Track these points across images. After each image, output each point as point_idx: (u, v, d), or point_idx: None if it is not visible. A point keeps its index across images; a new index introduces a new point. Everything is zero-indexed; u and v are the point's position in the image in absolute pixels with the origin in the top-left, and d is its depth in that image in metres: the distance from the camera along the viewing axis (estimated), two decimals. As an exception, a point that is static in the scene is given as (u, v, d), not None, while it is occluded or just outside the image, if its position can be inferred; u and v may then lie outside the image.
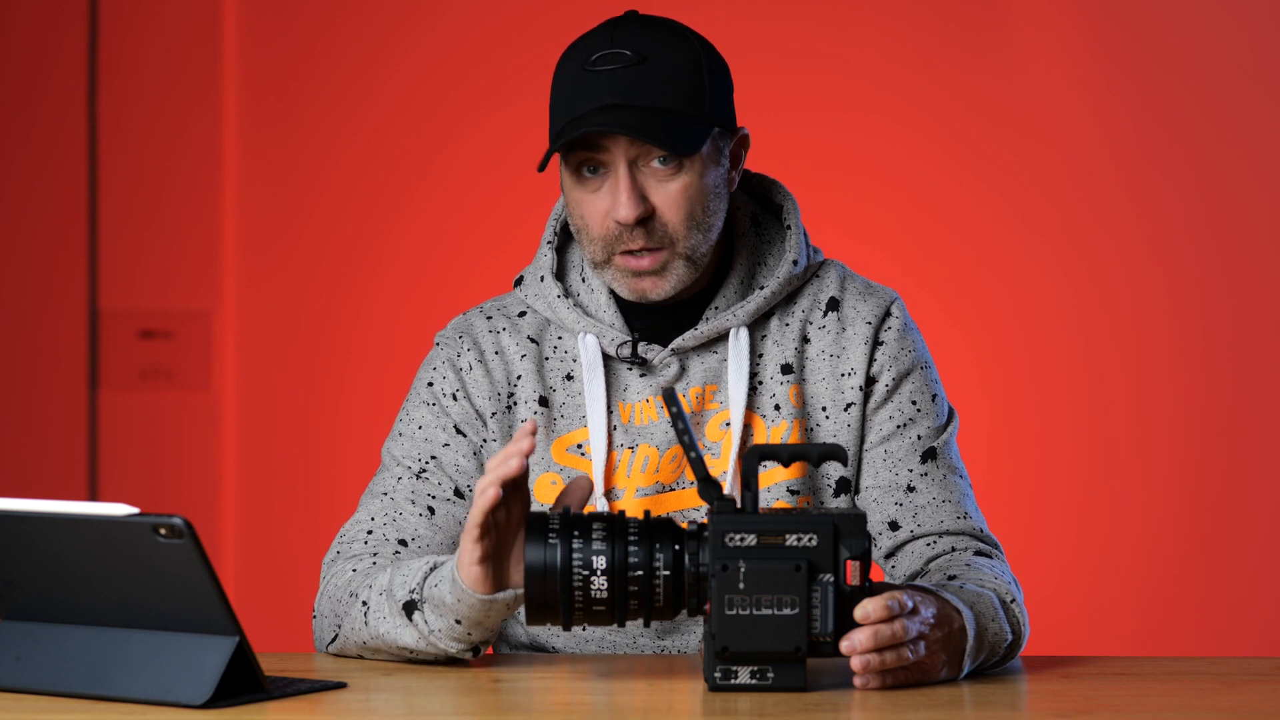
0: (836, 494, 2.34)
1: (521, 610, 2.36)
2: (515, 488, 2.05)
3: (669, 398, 2.00)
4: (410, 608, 2.13)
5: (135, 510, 1.89)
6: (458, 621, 2.10)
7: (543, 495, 2.32)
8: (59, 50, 4.28)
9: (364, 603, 2.18)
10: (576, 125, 2.21)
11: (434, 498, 2.33)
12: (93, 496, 4.27)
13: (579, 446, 2.33)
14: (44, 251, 4.30)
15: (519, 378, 2.35)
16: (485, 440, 2.35)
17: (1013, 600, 2.17)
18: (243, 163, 4.29)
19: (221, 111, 4.29)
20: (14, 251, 4.29)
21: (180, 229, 4.30)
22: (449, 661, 2.17)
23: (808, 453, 2.02)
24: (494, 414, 2.35)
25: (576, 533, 1.98)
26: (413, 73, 4.26)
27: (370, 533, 2.31)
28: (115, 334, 4.31)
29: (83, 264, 4.30)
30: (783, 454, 2.02)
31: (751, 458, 1.99)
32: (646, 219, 2.25)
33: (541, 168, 2.25)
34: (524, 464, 2.02)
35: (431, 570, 2.13)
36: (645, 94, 2.22)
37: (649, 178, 2.25)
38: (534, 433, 2.02)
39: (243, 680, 1.93)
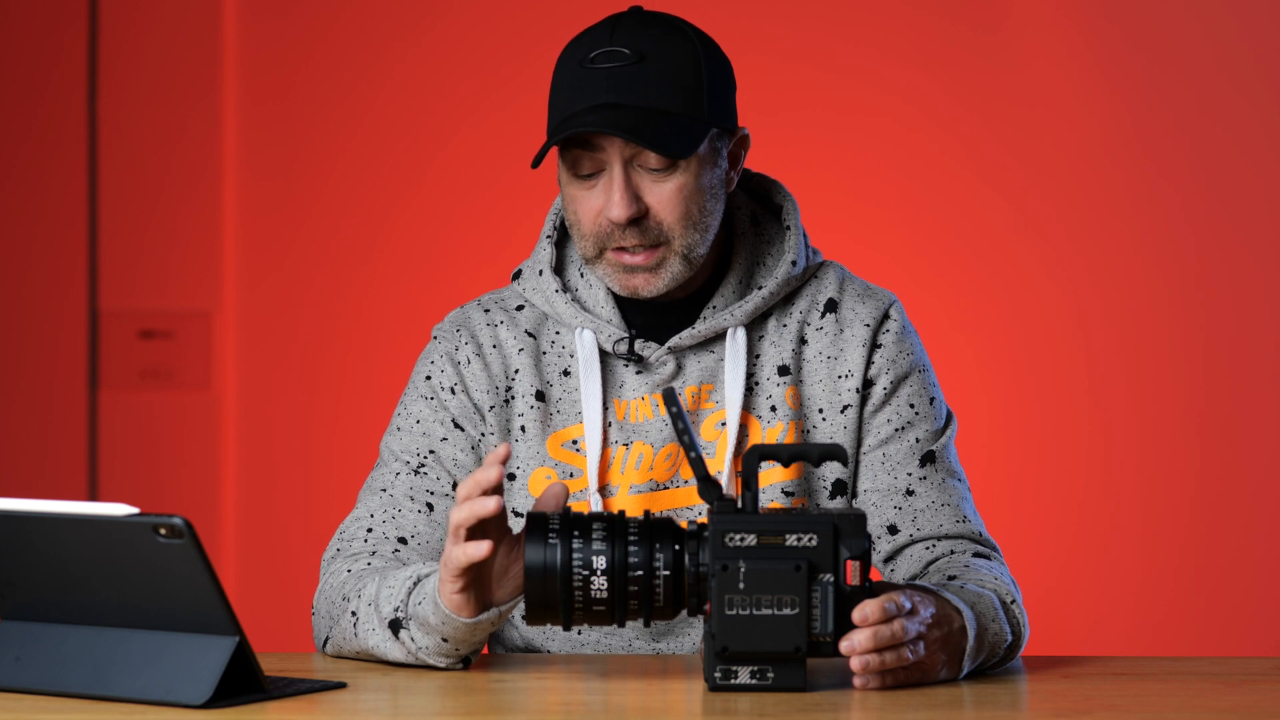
0: (832, 496, 2.34)
1: (519, 612, 2.36)
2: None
3: (669, 398, 2.00)
4: (396, 626, 2.13)
5: (135, 510, 1.89)
6: (444, 640, 2.10)
7: (537, 490, 2.32)
8: (59, 50, 4.28)
9: (353, 612, 2.18)
10: (571, 123, 2.21)
11: (432, 494, 2.33)
12: (93, 496, 4.27)
13: (574, 442, 2.33)
14: (44, 251, 4.30)
15: (516, 371, 2.35)
16: (483, 434, 2.35)
17: (1013, 601, 2.17)
18: (243, 163, 4.29)
19: (221, 111, 4.29)
20: (14, 251, 4.29)
21: (180, 229, 4.30)
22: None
23: (807, 452, 2.02)
24: (492, 407, 2.35)
25: (576, 533, 1.98)
26: (413, 73, 4.26)
27: (370, 530, 2.31)
28: (115, 334, 4.31)
29: (83, 264, 4.30)
30: (783, 454, 2.02)
31: (752, 458, 1.99)
32: (640, 218, 2.24)
33: (535, 164, 2.24)
34: (500, 502, 2.01)
35: (415, 585, 2.13)
36: (642, 94, 2.21)
37: (644, 177, 2.24)
38: (504, 460, 2.02)
39: (243, 680, 1.93)
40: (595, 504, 2.30)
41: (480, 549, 2.01)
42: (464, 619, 2.07)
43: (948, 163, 4.11)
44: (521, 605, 2.14)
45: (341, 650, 2.21)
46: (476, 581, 2.06)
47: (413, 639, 2.12)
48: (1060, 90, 4.08)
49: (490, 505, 2.00)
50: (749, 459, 1.99)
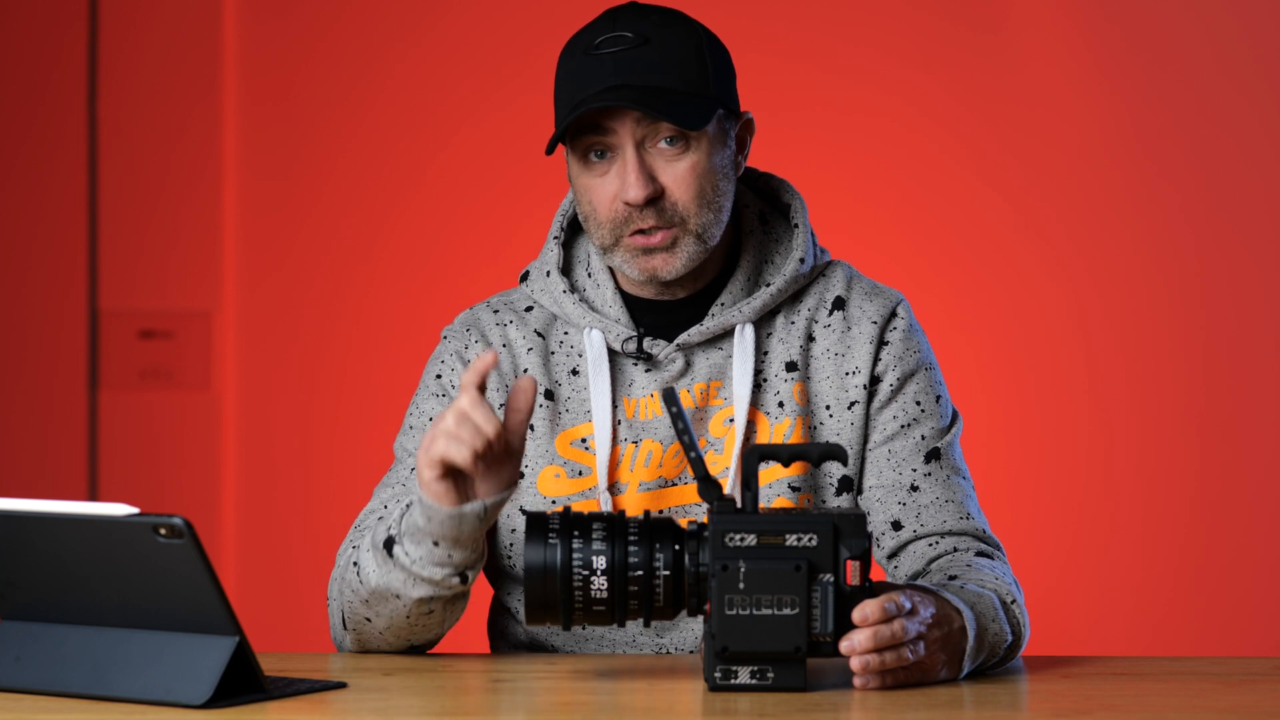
0: (839, 493, 2.34)
1: (521, 611, 2.36)
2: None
3: (669, 397, 2.00)
4: (390, 544, 2.13)
5: (135, 510, 1.89)
6: (435, 544, 2.10)
7: (546, 488, 2.33)
8: (59, 50, 4.28)
9: (355, 563, 2.19)
10: (582, 107, 2.22)
11: None
12: (93, 496, 4.27)
13: (583, 440, 2.33)
14: (44, 251, 4.30)
15: (525, 370, 2.36)
16: (494, 432, 2.35)
17: (1013, 601, 2.17)
18: (243, 163, 4.29)
19: (221, 111, 4.29)
20: (14, 251, 4.29)
21: (180, 229, 4.30)
22: (449, 654, 2.17)
23: (808, 452, 2.02)
24: (500, 405, 2.35)
25: (576, 533, 1.98)
26: (413, 73, 4.26)
27: (381, 519, 2.32)
28: (115, 334, 4.31)
29: (83, 264, 4.30)
30: (783, 454, 2.02)
31: (751, 457, 1.99)
32: (656, 199, 2.25)
33: (549, 150, 2.25)
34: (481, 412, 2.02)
35: (408, 509, 2.13)
36: (649, 74, 2.23)
37: (657, 158, 2.25)
38: (491, 365, 2.03)
39: (243, 680, 1.93)
40: (605, 501, 2.31)
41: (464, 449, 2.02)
42: (447, 508, 2.06)
43: (948, 163, 4.11)
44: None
45: (357, 621, 2.20)
46: (455, 474, 2.06)
47: (406, 553, 2.12)
48: (1060, 90, 4.08)
49: (491, 430, 2.02)
50: (748, 459, 1.99)
